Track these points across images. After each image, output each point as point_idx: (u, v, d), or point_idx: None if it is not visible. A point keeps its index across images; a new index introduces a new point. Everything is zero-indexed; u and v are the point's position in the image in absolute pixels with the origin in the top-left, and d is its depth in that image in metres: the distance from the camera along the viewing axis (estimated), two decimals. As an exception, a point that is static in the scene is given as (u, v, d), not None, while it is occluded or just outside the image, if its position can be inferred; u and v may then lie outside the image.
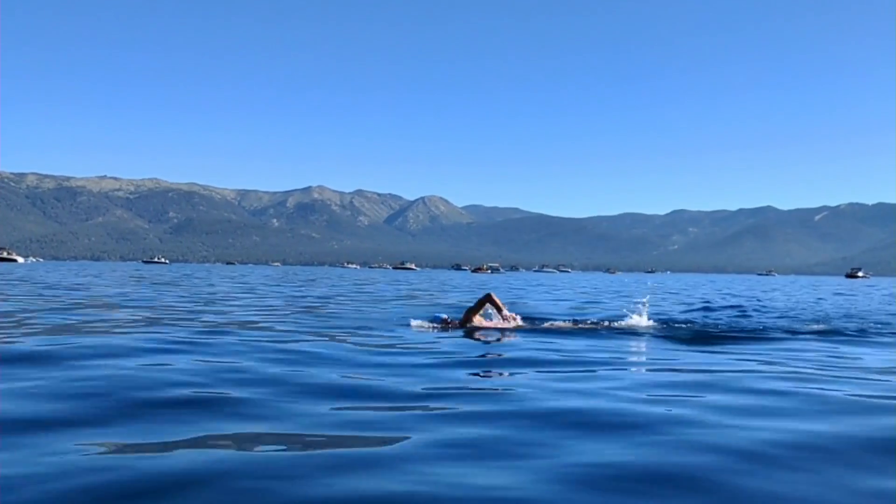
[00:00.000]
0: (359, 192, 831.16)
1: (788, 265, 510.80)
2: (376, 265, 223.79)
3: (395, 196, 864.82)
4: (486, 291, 10.22)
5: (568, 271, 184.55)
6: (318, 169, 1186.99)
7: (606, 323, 10.84)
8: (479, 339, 7.97)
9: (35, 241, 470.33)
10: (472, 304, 10.12)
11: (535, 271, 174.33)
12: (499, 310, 9.72)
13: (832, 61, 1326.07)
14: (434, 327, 9.41)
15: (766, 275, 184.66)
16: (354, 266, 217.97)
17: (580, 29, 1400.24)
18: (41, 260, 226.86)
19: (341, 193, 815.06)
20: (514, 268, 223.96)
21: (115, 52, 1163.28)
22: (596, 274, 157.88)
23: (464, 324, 9.48)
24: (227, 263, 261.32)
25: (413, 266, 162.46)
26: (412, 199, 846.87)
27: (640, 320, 10.80)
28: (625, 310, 11.69)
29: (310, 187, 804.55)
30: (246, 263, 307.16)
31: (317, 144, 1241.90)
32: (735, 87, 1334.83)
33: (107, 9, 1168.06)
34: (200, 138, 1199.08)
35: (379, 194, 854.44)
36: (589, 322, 10.84)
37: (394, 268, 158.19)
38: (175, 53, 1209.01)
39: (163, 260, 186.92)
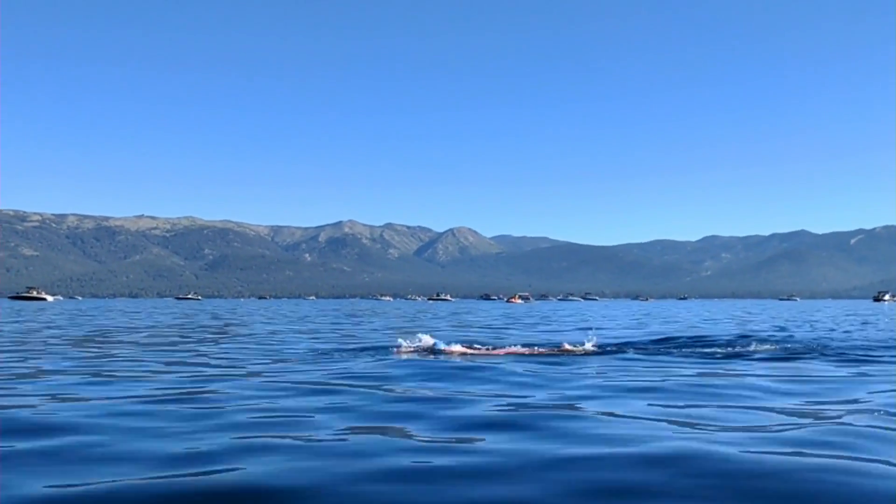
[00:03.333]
0: (388, 226, 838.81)
1: (825, 289, 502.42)
2: (410, 297, 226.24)
3: (424, 228, 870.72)
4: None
5: (595, 300, 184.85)
6: (348, 204, 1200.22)
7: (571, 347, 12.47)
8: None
9: (75, 280, 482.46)
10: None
11: (559, 300, 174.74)
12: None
13: (860, 78, 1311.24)
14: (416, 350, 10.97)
15: (788, 299, 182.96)
16: (388, 298, 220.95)
17: (608, 51, 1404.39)
18: (80, 298, 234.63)
19: (371, 227, 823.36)
20: (543, 296, 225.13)
21: (149, 98, 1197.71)
22: (624, 302, 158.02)
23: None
24: (260, 298, 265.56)
25: (448, 297, 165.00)
26: (441, 230, 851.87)
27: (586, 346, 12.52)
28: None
29: (341, 222, 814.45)
30: (280, 298, 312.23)
31: (347, 180, 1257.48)
32: (764, 107, 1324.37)
33: (136, 55, 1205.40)
34: (234, 177, 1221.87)
35: (408, 227, 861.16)
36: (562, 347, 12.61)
37: (429, 299, 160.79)
38: (206, 97, 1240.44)
39: (197, 297, 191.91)
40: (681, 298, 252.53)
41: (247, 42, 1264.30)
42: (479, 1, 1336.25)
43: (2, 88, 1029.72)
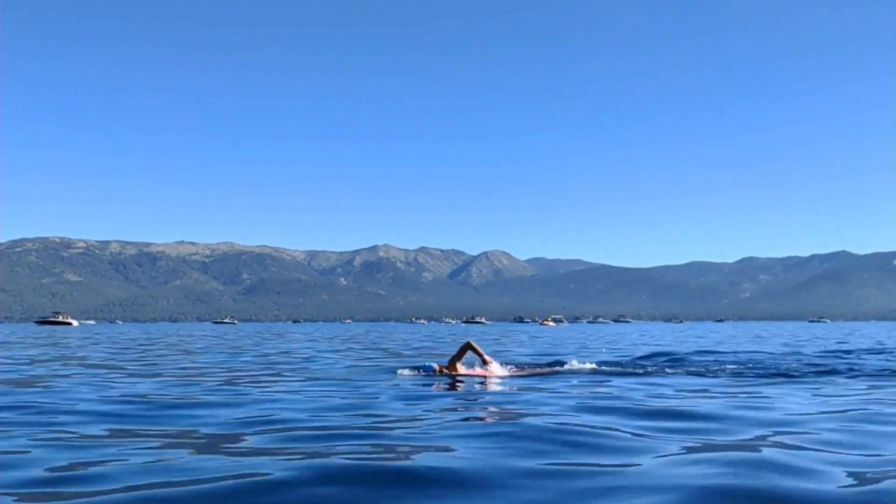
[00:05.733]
0: (422, 249, 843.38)
1: (867, 311, 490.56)
2: (445, 320, 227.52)
3: (457, 251, 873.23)
4: (468, 340, 10.95)
5: (628, 322, 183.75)
6: (383, 228, 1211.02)
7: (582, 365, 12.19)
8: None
9: (117, 305, 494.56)
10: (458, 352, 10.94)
11: (588, 322, 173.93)
12: (481, 356, 10.60)
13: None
14: (422, 374, 10.30)
15: (817, 321, 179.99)
16: (423, 321, 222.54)
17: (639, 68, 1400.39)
18: (119, 322, 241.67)
19: (406, 251, 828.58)
20: (577, 319, 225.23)
21: (188, 128, 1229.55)
22: (657, 324, 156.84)
23: (450, 370, 10.40)
24: (295, 322, 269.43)
25: (483, 320, 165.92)
26: (475, 254, 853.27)
27: (582, 366, 12.17)
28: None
29: (376, 246, 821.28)
30: (315, 321, 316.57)
31: (381, 205, 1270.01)
32: (802, 124, 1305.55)
33: (175, 86, 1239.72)
34: (272, 203, 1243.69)
35: (442, 250, 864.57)
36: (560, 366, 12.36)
37: (464, 321, 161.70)
38: (243, 126, 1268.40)
39: (233, 321, 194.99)
40: (717, 321, 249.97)
41: (283, 70, 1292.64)
42: (518, 31, 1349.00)
43: (49, 122, 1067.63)
